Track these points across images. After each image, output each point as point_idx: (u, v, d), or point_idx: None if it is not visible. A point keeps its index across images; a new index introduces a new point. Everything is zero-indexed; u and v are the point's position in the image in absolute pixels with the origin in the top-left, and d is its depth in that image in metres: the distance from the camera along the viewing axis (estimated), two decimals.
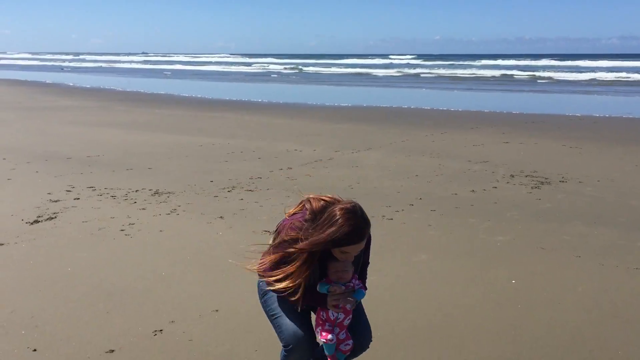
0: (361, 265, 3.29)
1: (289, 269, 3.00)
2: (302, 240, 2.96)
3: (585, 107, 22.77)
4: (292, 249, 2.97)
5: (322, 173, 10.84)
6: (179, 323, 4.44)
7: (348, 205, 2.97)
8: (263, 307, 3.36)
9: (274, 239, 3.23)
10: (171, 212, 7.83)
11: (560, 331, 4.40)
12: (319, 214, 3.00)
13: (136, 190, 9.09)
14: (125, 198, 8.57)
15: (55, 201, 8.28)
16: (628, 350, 4.11)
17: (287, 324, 3.15)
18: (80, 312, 4.60)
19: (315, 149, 13.45)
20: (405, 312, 4.71)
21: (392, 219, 7.57)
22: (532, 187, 9.63)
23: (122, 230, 6.91)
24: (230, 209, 8.06)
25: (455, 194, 9.20)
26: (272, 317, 3.26)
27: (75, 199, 8.47)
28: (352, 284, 3.15)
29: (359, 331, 3.27)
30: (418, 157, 12.48)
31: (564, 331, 4.40)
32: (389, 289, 5.15)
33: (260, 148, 13.57)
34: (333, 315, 3.16)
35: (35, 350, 3.98)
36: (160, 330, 4.30)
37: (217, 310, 4.68)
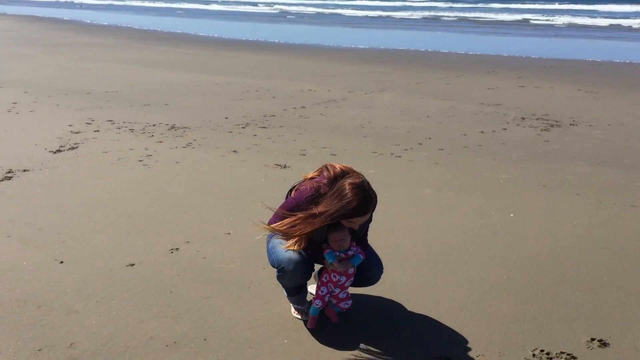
0: (363, 232, 3.57)
1: (297, 230, 3.27)
2: (314, 206, 3.26)
3: (606, 53, 22.37)
4: (306, 222, 3.24)
5: (334, 112, 11.01)
6: (194, 243, 4.77)
7: (357, 181, 3.24)
8: (267, 245, 3.62)
9: (287, 196, 3.55)
10: (187, 145, 8.11)
11: (550, 258, 4.66)
12: (334, 181, 3.29)
13: (153, 125, 9.37)
14: (143, 132, 8.86)
15: (76, 132, 8.59)
16: (613, 276, 4.37)
17: (282, 250, 3.43)
18: (102, 231, 4.95)
19: (330, 90, 13.56)
20: (406, 239, 5.00)
21: (400, 157, 7.79)
22: (541, 130, 9.76)
23: (140, 160, 7.22)
24: (243, 144, 8.32)
25: (465, 134, 9.36)
26: (272, 249, 3.54)
27: (95, 131, 8.77)
28: (351, 251, 3.42)
29: (370, 266, 3.56)
30: (431, 100, 12.57)
31: (554, 258, 4.67)
32: (393, 218, 5.43)
33: (275, 87, 13.71)
34: (335, 278, 3.44)
35: (62, 262, 4.34)
36: (177, 249, 4.64)
37: (229, 233, 5.00)
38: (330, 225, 3.35)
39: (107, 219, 5.23)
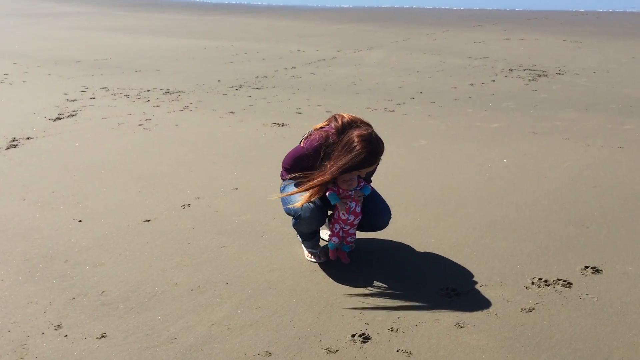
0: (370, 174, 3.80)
1: (311, 186, 3.48)
2: (324, 156, 3.48)
3: (589, 2, 22.47)
4: (317, 178, 3.45)
5: (325, 71, 11.13)
6: (204, 198, 4.97)
7: (364, 132, 3.40)
8: (281, 193, 3.82)
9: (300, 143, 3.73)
10: (184, 108, 8.23)
11: (544, 198, 4.92)
12: (342, 131, 3.47)
13: (148, 90, 9.46)
14: (139, 97, 8.96)
15: (73, 100, 8.68)
16: (603, 211, 4.64)
17: (297, 198, 3.62)
18: (114, 191, 5.13)
19: (318, 49, 13.64)
20: (407, 186, 5.23)
21: (393, 111, 7.98)
22: (529, 80, 9.96)
23: (140, 124, 7.35)
24: (239, 105, 8.46)
25: (455, 87, 9.55)
26: (286, 198, 3.72)
27: (91, 98, 8.86)
28: (359, 187, 3.63)
29: (378, 212, 3.77)
30: (419, 55, 12.70)
31: (547, 198, 4.92)
32: (393, 168, 5.64)
33: (264, 49, 13.76)
34: (344, 216, 3.65)
35: (80, 221, 4.53)
36: (188, 204, 4.84)
37: (236, 189, 5.20)
38: None
39: (118, 180, 5.40)
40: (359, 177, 3.66)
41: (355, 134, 3.40)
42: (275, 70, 11.20)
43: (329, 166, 3.44)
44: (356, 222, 3.71)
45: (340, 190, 3.59)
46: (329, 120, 3.63)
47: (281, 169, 3.84)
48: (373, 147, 3.39)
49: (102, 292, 3.49)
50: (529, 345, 2.98)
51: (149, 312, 3.28)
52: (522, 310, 3.29)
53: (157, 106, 8.35)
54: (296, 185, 3.69)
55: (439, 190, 5.15)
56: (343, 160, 3.38)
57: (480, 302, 3.38)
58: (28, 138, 6.75)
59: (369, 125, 3.55)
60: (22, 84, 10.04)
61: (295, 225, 3.71)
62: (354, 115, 3.61)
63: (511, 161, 5.88)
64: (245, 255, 3.95)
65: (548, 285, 3.55)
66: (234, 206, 4.82)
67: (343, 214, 3.64)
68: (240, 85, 9.85)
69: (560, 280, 3.60)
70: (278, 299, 3.42)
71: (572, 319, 3.20)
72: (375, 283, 3.60)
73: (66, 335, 3.08)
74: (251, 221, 4.52)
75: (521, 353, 2.92)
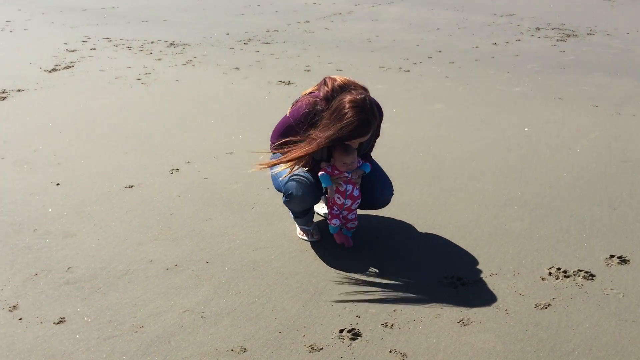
0: (369, 148, 3.33)
1: (296, 153, 3.07)
2: (312, 125, 3.05)
3: None
4: (303, 148, 3.03)
5: (340, 27, 10.56)
6: (194, 163, 4.58)
7: (357, 97, 2.94)
8: (271, 171, 3.41)
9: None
10: (187, 62, 7.79)
11: (567, 173, 4.46)
12: (333, 96, 3.02)
13: (152, 42, 9.01)
14: (141, 49, 8.52)
15: (72, 51, 8.26)
16: (633, 190, 4.18)
17: (291, 176, 3.22)
18: (99, 152, 4.76)
19: (335, 2, 13.01)
20: (415, 155, 4.79)
21: (408, 71, 7.46)
22: (557, 40, 9.33)
23: (138, 79, 6.94)
24: (245, 60, 7.99)
25: (477, 47, 8.96)
26: (276, 175, 3.31)
27: (91, 49, 8.44)
28: (358, 166, 3.21)
29: (378, 188, 3.34)
30: (441, 11, 12.03)
31: (570, 173, 4.46)
32: (402, 135, 5.20)
33: (278, 1, 13.17)
34: (340, 200, 3.22)
35: (58, 184, 4.17)
36: (177, 169, 4.46)
37: (231, 153, 4.81)
38: (338, 149, 3.14)
39: (105, 140, 5.03)
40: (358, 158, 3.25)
41: (346, 99, 2.95)
42: (288, 24, 10.64)
43: (314, 135, 3.02)
44: (355, 206, 3.28)
45: (336, 171, 3.17)
46: (319, 85, 3.18)
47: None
48: (366, 115, 2.93)
49: (68, 269, 3.15)
50: (543, 349, 2.59)
51: (116, 294, 2.94)
52: (536, 306, 2.88)
53: (159, 59, 7.91)
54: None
55: (451, 161, 4.71)
56: (331, 130, 2.95)
57: (488, 295, 2.98)
58: (19, 90, 6.38)
59: (364, 89, 3.10)
60: (24, 32, 9.63)
61: (286, 204, 3.31)
62: (348, 78, 3.15)
63: (533, 130, 5.40)
64: (231, 230, 3.58)
65: (567, 277, 3.14)
66: (226, 173, 4.43)
67: (338, 197, 3.23)
68: (249, 40, 9.35)
69: (581, 271, 3.18)
70: (262, 282, 3.06)
71: (593, 319, 2.79)
72: (371, 269, 3.21)
73: (20, 319, 2.75)
74: (242, 190, 4.14)
75: (533, 359, 2.54)
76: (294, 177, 3.21)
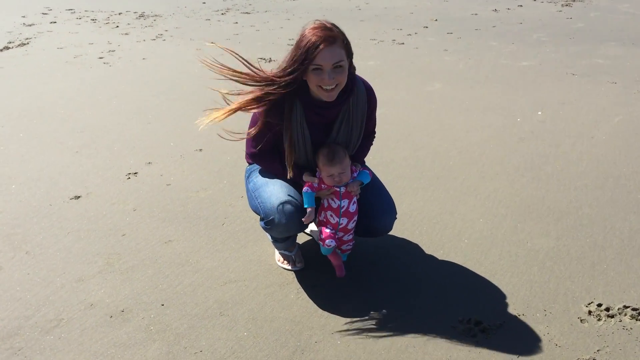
0: (357, 138, 2.62)
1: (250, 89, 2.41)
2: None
3: None
4: (261, 87, 2.36)
5: None
6: (156, 164, 3.90)
7: (315, 22, 2.34)
8: (246, 182, 2.75)
9: None
10: (157, 37, 7.02)
11: (589, 168, 3.82)
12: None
13: (119, 13, 8.19)
14: (107, 22, 7.71)
15: (30, 25, 7.45)
16: None
17: (269, 192, 2.55)
18: (46, 152, 4.06)
19: None
20: (415, 149, 4.12)
21: (403, 44, 6.74)
22: (562, 5, 8.60)
23: (100, 58, 6.17)
24: (222, 33, 7.22)
25: (476, 14, 8.21)
26: (254, 191, 2.64)
27: (51, 22, 7.63)
28: (352, 178, 2.53)
29: (378, 212, 2.62)
30: None
31: (597, 169, 3.82)
32: (398, 123, 4.52)
33: None
34: (334, 219, 2.55)
35: None
36: (135, 173, 3.77)
37: (200, 150, 4.12)
38: (320, 157, 2.47)
39: (53, 136, 4.32)
40: (352, 163, 2.57)
41: (304, 27, 2.35)
42: None
43: (272, 74, 2.39)
44: (352, 224, 2.61)
45: (323, 186, 2.50)
46: None
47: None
48: (326, 27, 2.31)
49: None
50: None
51: (40, 359, 2.28)
52: None
53: (127, 33, 7.13)
54: (261, 170, 2.64)
55: (457, 155, 4.05)
56: (290, 55, 2.34)
57: (516, 347, 2.35)
58: None
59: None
60: None
61: (265, 230, 2.63)
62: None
63: (547, 113, 4.73)
64: (195, 257, 2.92)
65: (611, 317, 2.51)
66: (193, 176, 3.75)
67: (332, 216, 2.56)
68: (228, 9, 8.54)
69: (627, 307, 2.55)
70: (229, 335, 2.41)
71: None
72: (367, 310, 2.55)
73: None
74: (212, 200, 3.46)
75: None
76: (277, 196, 2.53)
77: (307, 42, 2.26)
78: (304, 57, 2.27)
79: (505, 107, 4.86)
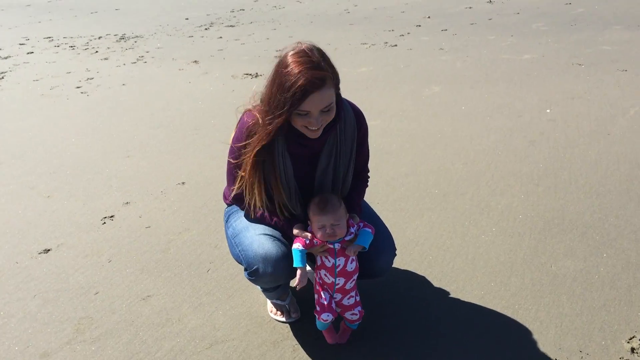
0: (359, 162, 2.29)
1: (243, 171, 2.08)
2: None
3: None
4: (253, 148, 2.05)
5: None
6: (135, 203, 3.56)
7: (298, 47, 1.96)
8: (226, 229, 2.40)
9: None
10: (137, 60, 6.70)
11: (610, 170, 3.45)
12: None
13: (99, 37, 7.88)
14: (86, 47, 7.40)
15: (5, 58, 7.14)
16: None
17: (251, 237, 2.19)
18: (15, 200, 3.73)
19: None
20: (413, 165, 3.77)
21: (396, 46, 6.39)
22: None
23: (77, 87, 5.86)
24: (206, 50, 6.90)
25: (470, 7, 7.87)
26: (234, 239, 2.29)
27: (28, 53, 7.32)
28: (350, 235, 2.12)
29: (374, 251, 2.21)
30: None
31: (618, 171, 3.46)
32: (397, 133, 4.17)
33: None
34: (329, 279, 2.17)
35: None
36: (111, 217, 3.43)
37: (183, 183, 3.78)
38: (312, 206, 2.11)
39: (24, 179, 3.99)
40: (350, 215, 2.19)
41: (287, 53, 1.95)
42: (255, 1, 9.49)
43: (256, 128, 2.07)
44: (350, 284, 2.20)
45: (316, 241, 2.12)
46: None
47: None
48: (313, 66, 1.89)
49: None
50: None
51: None
52: None
53: (106, 58, 6.81)
54: (247, 214, 2.28)
55: (462, 167, 3.69)
56: (269, 93, 1.98)
57: None
58: None
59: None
60: None
61: (250, 280, 2.27)
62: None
63: (556, 110, 4.37)
64: (176, 315, 2.57)
65: None
66: (174, 215, 3.41)
67: (326, 275, 2.18)
68: (212, 23, 8.23)
69: None
70: None
71: None
72: None
73: None
74: (195, 242, 3.12)
75: None
76: (259, 242, 2.18)
77: (293, 86, 1.88)
78: (289, 104, 1.91)
79: (510, 107, 4.51)
